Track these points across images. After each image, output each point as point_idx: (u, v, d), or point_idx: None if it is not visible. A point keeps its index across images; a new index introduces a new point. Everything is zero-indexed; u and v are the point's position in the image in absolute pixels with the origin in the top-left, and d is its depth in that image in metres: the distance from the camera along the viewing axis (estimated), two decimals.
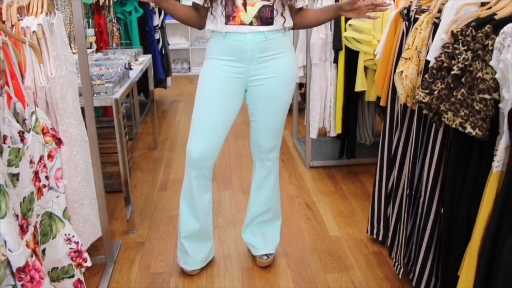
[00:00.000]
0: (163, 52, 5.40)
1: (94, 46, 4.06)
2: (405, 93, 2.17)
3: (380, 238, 2.66)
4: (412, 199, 2.23)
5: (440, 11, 2.03)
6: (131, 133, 4.75)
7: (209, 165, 2.26)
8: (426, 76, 1.81)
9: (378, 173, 2.60)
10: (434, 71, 1.77)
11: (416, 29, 2.12)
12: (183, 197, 2.36)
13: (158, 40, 5.24)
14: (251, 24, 2.07)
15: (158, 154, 4.23)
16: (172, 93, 6.37)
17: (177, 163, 3.98)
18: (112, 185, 3.37)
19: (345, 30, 3.31)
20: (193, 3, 2.18)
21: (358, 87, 3.38)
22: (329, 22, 3.36)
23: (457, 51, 1.69)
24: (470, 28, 1.66)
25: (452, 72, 1.68)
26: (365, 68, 3.38)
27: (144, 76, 3.96)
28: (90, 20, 4.09)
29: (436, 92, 1.73)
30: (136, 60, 3.74)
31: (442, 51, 1.77)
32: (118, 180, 3.16)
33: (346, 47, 3.35)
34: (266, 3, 2.06)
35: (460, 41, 1.68)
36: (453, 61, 1.70)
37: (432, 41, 2.03)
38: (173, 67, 7.29)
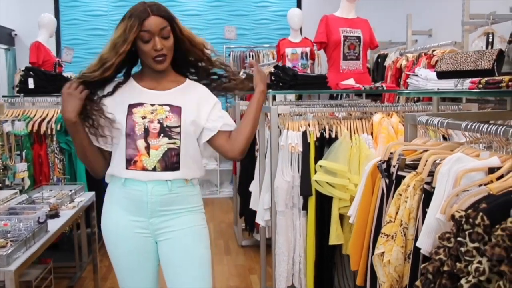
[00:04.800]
0: None
1: (28, 182, 3.49)
2: (389, 283, 1.57)
3: None
4: None
5: (431, 173, 1.50)
6: (73, 278, 4.02)
7: None
8: (418, 283, 1.21)
9: None
10: (430, 276, 1.18)
11: (400, 195, 1.57)
12: None
13: None
14: (154, 169, 1.78)
15: None
16: None
17: None
18: None
19: (315, 172, 2.78)
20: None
21: (333, 240, 2.78)
22: (296, 162, 2.84)
23: (463, 248, 1.12)
24: (480, 214, 1.11)
25: (460, 284, 1.10)
26: (341, 216, 2.82)
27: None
28: (23, 152, 3.55)
29: None
30: (72, 201, 3.15)
31: (440, 245, 1.20)
32: None
33: (317, 192, 2.79)
34: (172, 145, 1.80)
35: (467, 232, 1.12)
36: (458, 264, 1.13)
37: (423, 215, 1.48)
38: None
